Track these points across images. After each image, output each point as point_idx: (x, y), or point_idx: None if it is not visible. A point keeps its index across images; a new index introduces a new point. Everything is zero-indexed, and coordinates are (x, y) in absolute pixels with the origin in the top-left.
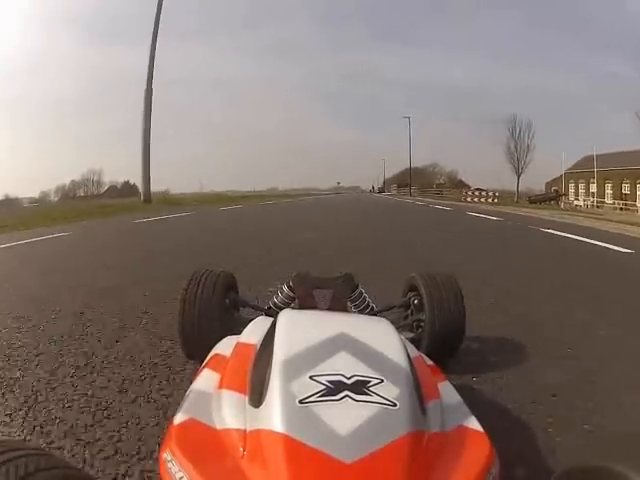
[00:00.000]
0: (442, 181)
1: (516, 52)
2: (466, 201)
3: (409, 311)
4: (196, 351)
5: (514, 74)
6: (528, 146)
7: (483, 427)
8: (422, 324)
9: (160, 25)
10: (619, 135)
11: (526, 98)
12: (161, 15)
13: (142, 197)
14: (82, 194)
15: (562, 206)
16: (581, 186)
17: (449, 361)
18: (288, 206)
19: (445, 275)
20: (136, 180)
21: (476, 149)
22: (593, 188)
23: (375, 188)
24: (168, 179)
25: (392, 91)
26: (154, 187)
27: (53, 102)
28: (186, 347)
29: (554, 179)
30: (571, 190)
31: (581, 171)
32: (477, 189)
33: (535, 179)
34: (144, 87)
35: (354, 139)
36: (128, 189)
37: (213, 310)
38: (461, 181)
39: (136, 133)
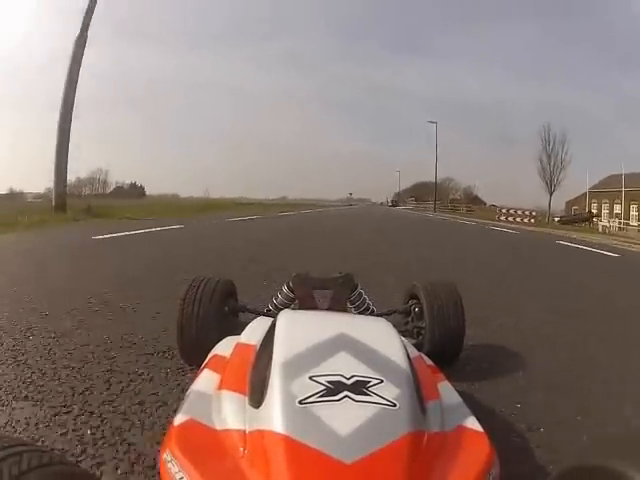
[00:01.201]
0: (458, 196)
1: (531, 68)
2: (500, 220)
3: (410, 318)
4: (194, 358)
5: (529, 90)
6: (562, 161)
7: (483, 427)
8: (422, 331)
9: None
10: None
11: (542, 114)
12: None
13: (53, 203)
14: (88, 192)
15: (600, 229)
16: (605, 206)
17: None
18: (268, 238)
19: (445, 284)
20: (143, 181)
21: (489, 165)
22: (617, 209)
23: (388, 201)
24: (180, 183)
25: (405, 104)
26: (162, 190)
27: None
28: (184, 354)
29: (575, 198)
30: (593, 210)
31: (606, 190)
32: (492, 205)
33: (553, 197)
34: (158, 89)
35: (365, 151)
36: (134, 190)
37: (211, 317)
38: (477, 197)
39: (146, 134)
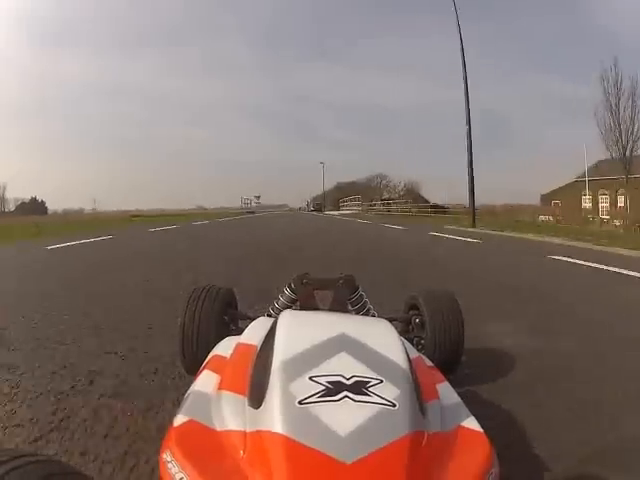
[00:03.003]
0: (397, 194)
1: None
2: None
3: (410, 327)
4: (195, 368)
5: (447, 94)
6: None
7: (482, 427)
8: (422, 342)
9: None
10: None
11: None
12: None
13: None
14: None
15: None
16: (603, 198)
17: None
18: None
19: (445, 294)
20: (45, 196)
21: (416, 163)
22: (622, 201)
23: (310, 205)
24: (97, 196)
25: (320, 110)
26: (63, 204)
27: None
28: (186, 364)
29: (554, 190)
30: (585, 204)
31: (604, 179)
32: (435, 206)
33: (518, 189)
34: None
35: (278, 157)
36: (35, 206)
37: (211, 328)
38: (420, 195)
39: (51, 144)
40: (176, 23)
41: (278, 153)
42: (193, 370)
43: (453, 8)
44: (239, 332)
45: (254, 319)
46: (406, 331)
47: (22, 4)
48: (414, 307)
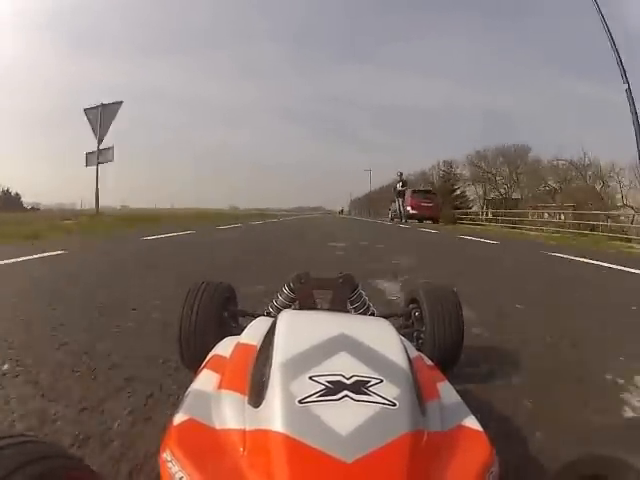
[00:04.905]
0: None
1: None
2: None
3: (410, 321)
4: (195, 364)
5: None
6: None
7: (482, 426)
8: (422, 336)
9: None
10: None
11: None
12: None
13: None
14: None
15: None
16: None
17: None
18: None
19: (446, 289)
20: (20, 188)
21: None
22: None
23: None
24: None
25: (358, 113)
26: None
27: None
28: (185, 360)
29: None
30: None
31: None
32: None
33: None
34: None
35: (319, 159)
36: (9, 200)
37: (211, 324)
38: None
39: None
40: (210, 27)
41: (316, 156)
42: (192, 368)
43: None
44: (239, 329)
45: (253, 315)
46: (406, 326)
47: (52, 14)
48: (414, 301)
